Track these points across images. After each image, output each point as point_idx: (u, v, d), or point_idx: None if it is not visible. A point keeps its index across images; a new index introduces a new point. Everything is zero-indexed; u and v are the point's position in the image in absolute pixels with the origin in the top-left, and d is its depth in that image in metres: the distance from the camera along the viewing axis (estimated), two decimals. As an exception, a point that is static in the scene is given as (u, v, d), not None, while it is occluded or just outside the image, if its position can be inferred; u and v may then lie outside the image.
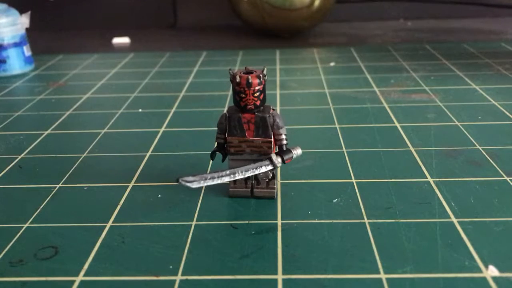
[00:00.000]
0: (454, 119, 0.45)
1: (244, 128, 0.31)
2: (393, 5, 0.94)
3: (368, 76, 0.58)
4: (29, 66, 0.66)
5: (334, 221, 0.30)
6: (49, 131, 0.46)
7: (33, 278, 0.26)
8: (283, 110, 0.49)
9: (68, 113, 0.50)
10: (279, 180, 0.35)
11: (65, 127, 0.46)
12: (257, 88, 0.30)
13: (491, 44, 0.72)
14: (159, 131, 0.44)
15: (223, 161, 0.33)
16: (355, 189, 0.33)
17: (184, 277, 0.25)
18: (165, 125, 0.46)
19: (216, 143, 0.32)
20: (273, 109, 0.31)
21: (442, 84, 0.54)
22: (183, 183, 0.30)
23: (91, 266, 0.27)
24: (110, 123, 0.47)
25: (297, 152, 0.31)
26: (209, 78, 0.60)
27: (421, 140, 0.40)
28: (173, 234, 0.29)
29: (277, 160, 0.31)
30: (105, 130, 0.45)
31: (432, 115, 0.46)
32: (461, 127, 0.43)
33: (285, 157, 0.31)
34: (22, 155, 0.41)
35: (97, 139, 0.43)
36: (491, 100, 0.49)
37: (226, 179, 0.31)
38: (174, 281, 0.25)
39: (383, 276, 0.25)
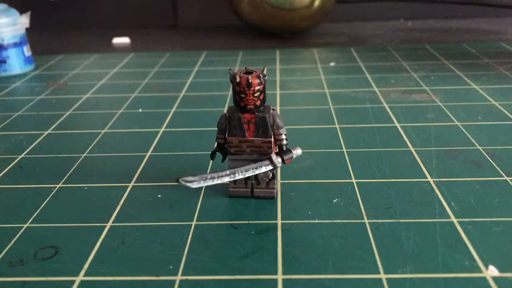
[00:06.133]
0: (454, 119, 0.45)
1: (244, 128, 0.31)
2: (393, 5, 0.94)
3: (368, 76, 0.58)
4: (29, 66, 0.66)
5: (334, 221, 0.30)
6: (49, 131, 0.46)
7: (33, 278, 0.26)
8: (283, 110, 0.49)
9: (68, 113, 0.50)
10: (279, 180, 0.35)
11: (65, 127, 0.46)
12: (257, 88, 0.30)
13: (491, 44, 0.72)
14: (159, 131, 0.44)
15: (223, 161, 0.33)
16: (355, 189, 0.33)
17: (184, 277, 0.25)
18: (165, 125, 0.46)
19: (216, 143, 0.32)
20: (273, 109, 0.31)
21: (442, 84, 0.54)
22: (183, 183, 0.30)
23: (91, 266, 0.27)
24: (110, 123, 0.47)
25: (297, 152, 0.31)
26: (209, 78, 0.60)
27: (421, 140, 0.40)
28: (173, 234, 0.29)
29: (277, 160, 0.31)
30: (105, 130, 0.45)
31: (432, 115, 0.46)
32: (461, 127, 0.43)
33: (285, 157, 0.31)
34: (22, 155, 0.41)
35: (97, 139, 0.43)
36: (491, 100, 0.49)
37: (226, 179, 0.31)
38: (174, 281, 0.25)
39: (383, 276, 0.25)
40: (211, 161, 0.35)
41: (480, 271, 0.25)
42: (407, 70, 0.60)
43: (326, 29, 0.90)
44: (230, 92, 0.53)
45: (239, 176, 0.31)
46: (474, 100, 0.49)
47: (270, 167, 0.31)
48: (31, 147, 0.42)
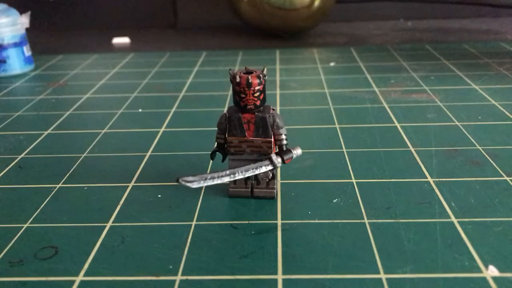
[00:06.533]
0: (454, 119, 0.45)
1: (244, 128, 0.31)
2: (393, 5, 0.94)
3: (368, 76, 0.58)
4: (29, 66, 0.66)
5: (334, 221, 0.30)
6: (49, 131, 0.46)
7: (33, 278, 0.26)
8: (283, 110, 0.49)
9: (68, 113, 0.50)
10: (279, 180, 0.35)
11: (65, 127, 0.46)
12: (257, 88, 0.30)
13: (491, 44, 0.72)
14: (159, 131, 0.44)
15: (223, 161, 0.33)
16: (355, 189, 0.33)
17: (184, 277, 0.25)
18: (165, 125, 0.46)
19: (216, 143, 0.32)
20: (273, 109, 0.31)
21: (442, 84, 0.54)
22: (183, 183, 0.30)
23: (91, 266, 0.27)
24: (110, 123, 0.47)
25: (297, 152, 0.31)
26: (209, 78, 0.60)
27: (421, 140, 0.40)
28: (173, 234, 0.29)
29: (277, 160, 0.31)
30: (105, 130, 0.45)
31: (432, 115, 0.46)
32: (461, 127, 0.43)
33: (285, 157, 0.31)
34: (22, 155, 0.41)
35: (97, 139, 0.43)
36: (491, 100, 0.49)
37: (226, 179, 0.31)
38: (174, 281, 0.25)
39: (383, 276, 0.25)
40: (211, 161, 0.35)
41: (480, 271, 0.25)
42: (407, 70, 0.60)
43: (326, 29, 0.90)
44: (230, 92, 0.53)
45: (239, 176, 0.31)
46: (474, 100, 0.49)
47: (270, 167, 0.31)
48: (31, 147, 0.42)
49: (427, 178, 0.34)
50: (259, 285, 0.25)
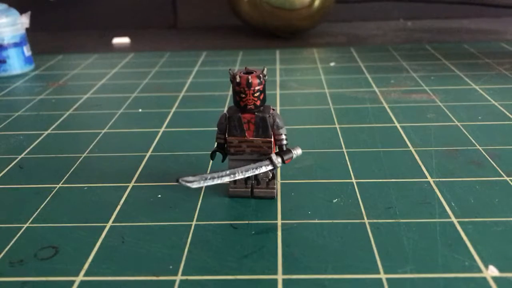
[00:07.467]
0: (454, 119, 0.45)
1: (244, 128, 0.31)
2: (393, 5, 0.94)
3: (368, 76, 0.58)
4: (29, 66, 0.66)
5: (334, 221, 0.30)
6: (49, 131, 0.46)
7: (33, 278, 0.26)
8: (283, 110, 0.49)
9: (68, 113, 0.50)
10: (279, 180, 0.35)
11: (65, 127, 0.46)
12: (257, 88, 0.30)
13: (491, 44, 0.72)
14: (159, 131, 0.44)
15: (223, 161, 0.33)
16: (355, 189, 0.33)
17: (184, 277, 0.25)
18: (165, 125, 0.46)
19: (216, 143, 0.32)
20: (273, 109, 0.31)
21: (442, 84, 0.54)
22: (183, 183, 0.30)
23: (91, 266, 0.27)
24: (110, 123, 0.47)
25: (297, 152, 0.31)
26: (209, 78, 0.60)
27: (421, 140, 0.40)
28: (173, 234, 0.29)
29: (277, 160, 0.31)
30: (105, 130, 0.45)
31: (432, 115, 0.46)
32: (461, 127, 0.43)
33: (285, 157, 0.31)
34: (22, 155, 0.41)
35: (97, 139, 0.43)
36: (491, 100, 0.49)
37: (226, 179, 0.31)
38: (174, 281, 0.25)
39: (383, 276, 0.25)
40: (211, 161, 0.35)
41: (480, 271, 0.25)
42: (407, 70, 0.60)
43: (326, 29, 0.90)
44: (230, 92, 0.53)
45: (239, 176, 0.31)
46: (474, 100, 0.49)
47: (270, 167, 0.31)
48: (31, 147, 0.42)
49: (427, 178, 0.34)
50: (259, 285, 0.25)
